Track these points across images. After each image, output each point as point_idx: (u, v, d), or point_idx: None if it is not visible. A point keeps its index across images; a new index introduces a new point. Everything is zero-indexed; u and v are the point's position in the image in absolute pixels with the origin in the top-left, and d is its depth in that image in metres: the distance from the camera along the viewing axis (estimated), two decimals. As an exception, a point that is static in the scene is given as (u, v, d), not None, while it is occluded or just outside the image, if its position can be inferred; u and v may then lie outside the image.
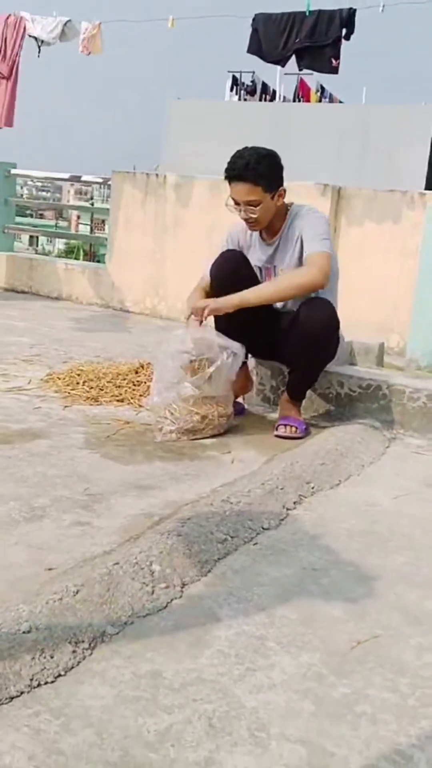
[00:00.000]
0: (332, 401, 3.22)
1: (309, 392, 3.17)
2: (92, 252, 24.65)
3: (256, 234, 3.04)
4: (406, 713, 1.30)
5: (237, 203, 2.88)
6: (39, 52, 7.21)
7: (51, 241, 36.38)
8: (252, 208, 2.86)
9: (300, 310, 2.87)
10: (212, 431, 2.81)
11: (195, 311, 2.86)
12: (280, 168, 2.89)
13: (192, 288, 3.10)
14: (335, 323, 2.93)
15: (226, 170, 2.85)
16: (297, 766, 1.15)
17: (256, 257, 3.05)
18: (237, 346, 2.83)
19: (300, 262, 2.92)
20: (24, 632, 1.36)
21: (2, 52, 7.21)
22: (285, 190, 2.90)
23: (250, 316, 2.85)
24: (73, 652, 1.37)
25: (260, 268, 3.05)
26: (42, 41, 7.13)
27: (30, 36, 7.13)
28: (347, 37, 7.94)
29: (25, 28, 7.09)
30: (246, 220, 2.92)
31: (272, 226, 2.97)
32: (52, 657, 1.33)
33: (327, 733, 1.24)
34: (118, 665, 1.36)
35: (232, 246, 3.10)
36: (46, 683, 1.29)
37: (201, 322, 2.87)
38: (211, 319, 2.93)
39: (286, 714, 1.27)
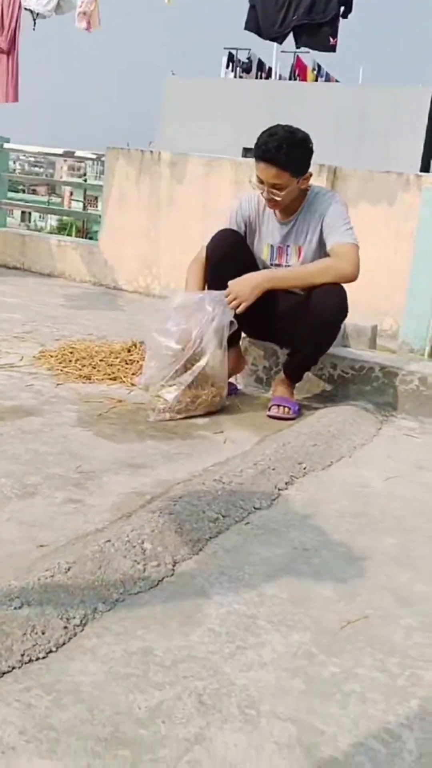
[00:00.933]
0: (325, 383, 3.22)
1: (302, 373, 3.17)
2: (85, 229, 24.50)
3: (269, 211, 3.00)
4: (395, 692, 1.32)
5: (261, 181, 2.83)
6: (34, 25, 7.10)
7: (43, 218, 36.12)
8: (277, 191, 2.82)
9: (313, 294, 2.84)
10: (205, 410, 2.80)
11: (230, 304, 2.78)
12: (311, 153, 2.84)
13: (187, 264, 3.07)
14: (346, 307, 2.91)
15: (256, 148, 2.78)
16: (287, 743, 1.16)
17: (269, 235, 3.02)
18: (217, 294, 2.79)
19: (319, 245, 2.89)
20: (15, 608, 1.36)
21: (0, 25, 7.10)
22: (311, 174, 2.87)
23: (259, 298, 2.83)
24: (65, 628, 1.37)
25: (272, 247, 3.02)
26: (37, 14, 7.02)
27: (25, 9, 7.01)
28: (345, 15, 7.87)
29: (20, 1, 6.97)
30: (268, 200, 2.88)
31: (289, 205, 2.93)
32: (43, 633, 1.34)
33: (316, 711, 1.25)
34: (109, 642, 1.37)
35: (241, 219, 3.04)
36: (37, 659, 1.29)
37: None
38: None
39: (276, 692, 1.28)
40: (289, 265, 2.97)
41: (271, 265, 3.02)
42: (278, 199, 2.84)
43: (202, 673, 1.31)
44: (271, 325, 3.07)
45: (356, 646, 1.44)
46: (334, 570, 1.74)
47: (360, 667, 1.38)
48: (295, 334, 2.94)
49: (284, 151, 2.74)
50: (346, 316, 2.97)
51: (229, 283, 2.80)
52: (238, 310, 2.78)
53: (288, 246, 2.99)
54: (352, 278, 2.81)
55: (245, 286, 2.77)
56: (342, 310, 2.88)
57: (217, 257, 2.94)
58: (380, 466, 2.50)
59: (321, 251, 2.91)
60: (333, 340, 3.03)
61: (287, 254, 2.99)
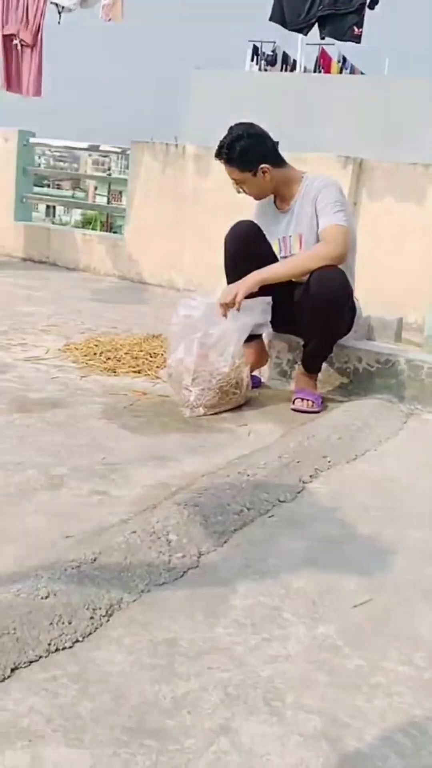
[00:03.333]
0: (349, 376, 3.20)
1: (326, 366, 3.15)
2: (109, 223, 24.55)
3: (272, 205, 3.06)
4: (421, 686, 1.31)
5: None
6: (60, 18, 7.11)
7: (68, 212, 36.29)
8: (238, 186, 2.96)
9: (310, 280, 2.85)
10: (235, 404, 2.80)
11: (226, 306, 2.80)
12: (260, 145, 2.90)
13: (218, 255, 3.10)
14: (346, 292, 2.90)
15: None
16: (312, 735, 1.16)
17: (275, 228, 3.03)
18: (259, 301, 2.84)
19: (316, 229, 2.90)
20: (42, 598, 1.37)
21: (24, 19, 7.11)
22: (269, 167, 2.91)
23: (267, 287, 2.84)
24: (91, 618, 1.38)
25: (279, 240, 3.02)
26: (63, 7, 7.03)
27: (51, 2, 7.03)
28: (372, 6, 7.78)
29: (46, -6, 6.99)
30: (240, 193, 3.00)
31: (283, 195, 3.00)
32: (70, 623, 1.35)
33: (342, 703, 1.24)
34: (134, 632, 1.38)
35: (258, 214, 3.11)
36: (64, 648, 1.30)
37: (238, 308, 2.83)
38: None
39: (301, 684, 1.28)
40: (292, 254, 2.97)
41: (282, 258, 3.02)
42: (243, 191, 2.98)
43: (228, 665, 1.31)
44: (287, 316, 3.06)
45: (382, 639, 1.44)
46: (359, 563, 1.73)
47: (386, 660, 1.37)
48: (303, 323, 2.94)
49: (224, 151, 2.89)
50: (348, 298, 2.95)
51: (226, 289, 2.86)
52: (236, 306, 2.79)
53: (290, 236, 2.99)
54: (339, 261, 2.84)
55: (239, 284, 2.82)
56: (341, 290, 2.87)
57: (235, 250, 2.99)
58: (406, 460, 2.49)
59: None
60: (341, 325, 3.01)
61: (290, 243, 3.00)
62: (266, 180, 2.92)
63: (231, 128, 2.92)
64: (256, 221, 3.09)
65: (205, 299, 2.85)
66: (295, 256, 2.95)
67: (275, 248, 3.03)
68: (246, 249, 2.96)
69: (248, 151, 2.87)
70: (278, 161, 2.94)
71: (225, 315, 2.80)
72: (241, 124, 2.93)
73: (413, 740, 1.18)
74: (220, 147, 2.90)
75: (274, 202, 3.05)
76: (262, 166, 2.89)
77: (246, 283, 2.80)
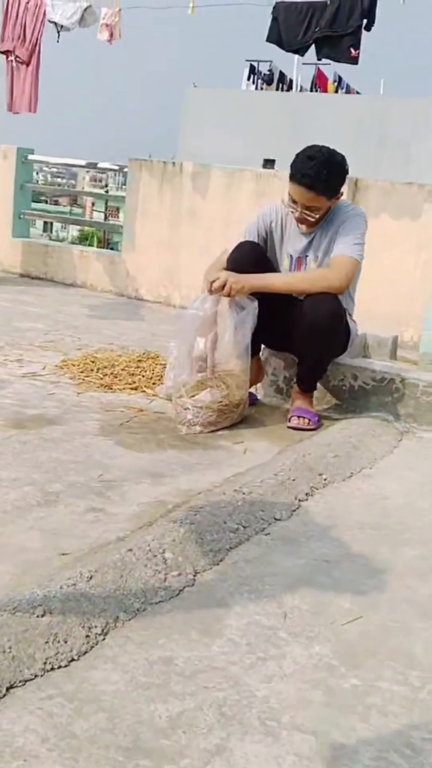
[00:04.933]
0: (345, 394, 3.21)
1: (321, 384, 3.17)
2: (106, 239, 24.65)
3: (292, 222, 3.01)
4: (416, 706, 1.31)
5: (294, 201, 2.87)
6: (58, 37, 7.18)
7: (65, 228, 36.39)
8: (310, 213, 2.86)
9: (305, 301, 2.87)
10: (231, 421, 2.81)
11: (214, 286, 2.77)
12: (347, 174, 2.89)
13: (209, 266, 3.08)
14: (339, 315, 2.92)
15: (295, 171, 2.81)
16: (307, 755, 1.16)
17: (290, 246, 3.03)
18: (247, 302, 2.81)
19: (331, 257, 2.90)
20: (38, 616, 1.37)
21: (22, 36, 7.18)
22: (343, 193, 2.90)
23: (265, 304, 2.84)
24: (87, 636, 1.38)
25: (291, 257, 3.03)
26: (61, 26, 7.10)
27: (50, 21, 7.10)
28: (368, 28, 7.87)
29: (45, 13, 7.05)
30: (299, 219, 2.92)
31: None
32: (65, 641, 1.34)
33: (337, 723, 1.24)
34: (130, 651, 1.37)
35: (263, 226, 3.06)
36: (59, 667, 1.30)
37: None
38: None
39: (297, 704, 1.28)
40: None
41: None
42: (311, 219, 2.89)
43: (223, 684, 1.31)
44: (284, 335, 3.06)
45: (377, 658, 1.44)
46: (354, 582, 1.74)
47: (381, 680, 1.37)
48: (297, 343, 2.95)
49: (323, 178, 2.78)
50: (341, 322, 2.96)
51: (225, 272, 2.81)
52: (225, 291, 2.76)
53: (307, 257, 3.00)
54: (339, 291, 2.85)
55: (241, 278, 2.78)
56: (334, 316, 2.88)
57: (241, 270, 2.92)
58: (401, 478, 2.49)
59: None
60: (334, 347, 3.02)
61: (305, 264, 3.00)
62: (331, 207, 2.90)
63: (314, 152, 2.80)
64: (259, 232, 3.05)
65: (201, 312, 2.84)
66: (300, 272, 2.97)
67: (285, 264, 3.04)
68: (250, 270, 2.90)
69: (341, 182, 2.85)
70: None
71: (210, 292, 2.78)
72: (324, 148, 2.84)
73: (408, 760, 1.17)
74: (317, 174, 2.75)
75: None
76: (341, 192, 2.89)
77: (246, 283, 2.77)
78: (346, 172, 2.88)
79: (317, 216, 2.88)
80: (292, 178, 2.83)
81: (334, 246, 2.90)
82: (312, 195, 2.82)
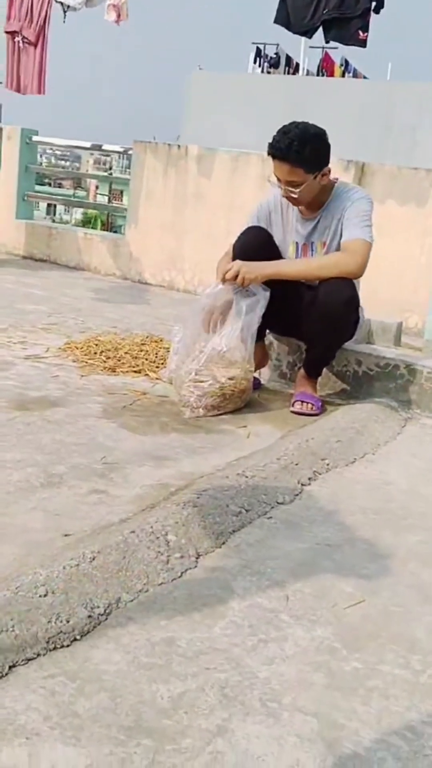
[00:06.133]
0: (349, 379, 3.21)
1: (326, 370, 3.16)
2: (110, 222, 24.57)
3: (294, 209, 2.99)
4: (417, 690, 1.31)
5: (279, 180, 2.83)
6: (64, 17, 7.12)
7: (68, 211, 36.29)
8: (292, 188, 2.80)
9: (320, 288, 2.85)
10: (235, 406, 2.80)
11: (227, 276, 2.76)
12: (326, 148, 2.82)
13: (212, 258, 3.07)
14: (355, 303, 2.92)
15: (269, 147, 2.77)
16: (308, 737, 1.17)
17: (294, 232, 3.01)
18: (260, 290, 2.80)
19: (339, 241, 2.88)
20: (41, 596, 1.38)
21: (29, 17, 7.12)
22: (330, 170, 2.85)
23: (274, 290, 2.83)
24: (89, 617, 1.38)
25: (297, 244, 3.01)
26: (68, 6, 7.03)
27: (56, 1, 7.04)
28: (377, 11, 7.80)
29: (51, -8, 6.99)
30: (286, 197, 2.88)
31: (313, 201, 2.91)
32: (68, 621, 1.35)
33: (339, 706, 1.25)
34: (132, 632, 1.38)
35: (262, 216, 3.04)
36: (62, 647, 1.30)
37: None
38: None
39: (298, 686, 1.28)
40: None
41: None
42: (295, 196, 2.82)
43: (225, 665, 1.31)
44: (292, 320, 3.06)
45: (379, 642, 1.44)
46: (356, 566, 1.74)
47: (383, 663, 1.38)
48: (309, 329, 2.94)
49: (295, 148, 2.72)
50: (356, 309, 2.95)
51: (237, 262, 2.79)
52: (238, 281, 2.75)
53: (313, 242, 2.98)
54: (356, 276, 2.83)
55: (253, 267, 2.77)
56: (350, 303, 2.87)
57: (246, 256, 2.90)
58: (404, 464, 2.49)
59: None
60: (345, 334, 3.02)
61: (312, 251, 2.98)
62: (319, 184, 2.84)
63: (292, 127, 2.76)
64: (260, 220, 3.04)
65: (210, 298, 2.84)
66: (312, 258, 2.94)
67: (290, 252, 3.02)
68: (256, 256, 2.87)
69: (319, 152, 2.78)
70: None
71: (222, 282, 2.78)
72: (301, 123, 2.80)
73: (409, 743, 1.18)
74: (288, 145, 2.71)
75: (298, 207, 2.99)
76: (325, 168, 2.82)
77: (259, 272, 2.77)
78: (325, 143, 2.81)
79: (299, 192, 2.80)
80: (269, 153, 2.79)
81: (343, 229, 2.87)
82: (287, 167, 2.76)
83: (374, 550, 1.83)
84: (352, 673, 1.34)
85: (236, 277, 2.75)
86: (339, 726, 1.20)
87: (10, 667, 1.23)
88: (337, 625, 1.48)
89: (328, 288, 2.81)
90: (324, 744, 1.15)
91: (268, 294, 2.81)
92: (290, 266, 2.89)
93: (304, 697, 1.26)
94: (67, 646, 1.31)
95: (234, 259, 2.91)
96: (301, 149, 2.72)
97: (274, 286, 2.82)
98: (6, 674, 1.22)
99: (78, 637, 1.34)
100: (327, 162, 2.83)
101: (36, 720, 1.13)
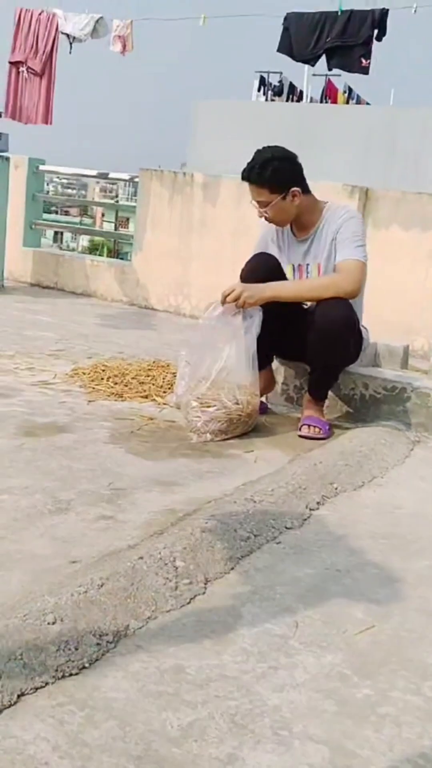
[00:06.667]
0: (356, 403, 3.20)
1: (333, 393, 3.16)
2: (116, 249, 24.73)
3: (288, 232, 3.05)
4: (429, 716, 1.30)
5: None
6: (71, 49, 7.24)
7: (75, 238, 36.54)
8: (262, 209, 2.92)
9: (316, 308, 2.87)
10: (242, 430, 2.80)
11: (228, 298, 2.78)
12: (293, 169, 2.91)
13: (225, 282, 3.09)
14: (352, 322, 2.92)
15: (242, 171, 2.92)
16: (320, 765, 1.15)
17: (291, 255, 3.05)
18: (254, 311, 2.82)
19: (333, 261, 2.91)
20: (49, 623, 1.37)
21: (34, 48, 7.24)
22: (299, 191, 2.91)
23: (275, 313, 2.84)
24: (98, 644, 1.37)
25: (294, 267, 3.04)
26: (74, 38, 7.15)
27: (62, 33, 7.16)
28: (379, 38, 7.90)
29: (57, 25, 7.11)
30: (264, 218, 2.97)
31: (303, 223, 2.99)
32: (76, 649, 1.34)
33: (350, 733, 1.23)
34: (141, 659, 1.37)
35: (262, 244, 3.11)
36: (70, 675, 1.29)
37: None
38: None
39: (309, 713, 1.27)
40: None
41: None
42: (267, 215, 2.93)
43: (235, 693, 1.30)
44: (296, 343, 3.06)
45: (390, 668, 1.43)
46: (366, 591, 1.72)
47: (394, 689, 1.36)
48: (309, 351, 2.95)
49: (257, 170, 2.85)
50: (353, 327, 2.96)
51: (238, 284, 2.84)
52: (239, 303, 2.77)
53: (308, 264, 3.01)
54: (352, 295, 2.86)
55: (253, 290, 2.80)
56: (347, 323, 2.88)
57: (255, 281, 2.92)
58: (412, 488, 2.48)
59: None
60: (347, 354, 3.02)
61: (307, 272, 3.01)
62: (293, 205, 2.91)
63: (259, 151, 2.91)
64: (262, 246, 3.09)
65: (212, 321, 2.85)
66: (309, 279, 2.97)
67: (288, 274, 3.04)
68: (268, 279, 2.88)
69: (281, 172, 2.87)
70: (306, 187, 2.95)
71: (222, 304, 2.80)
72: (270, 147, 2.93)
73: (422, 772, 1.16)
74: (251, 167, 2.87)
75: (291, 228, 3.05)
76: (293, 189, 2.89)
77: (258, 295, 2.79)
78: (289, 163, 2.90)
79: (271, 212, 2.91)
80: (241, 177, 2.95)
81: (336, 250, 2.90)
82: (253, 188, 2.91)
83: (384, 575, 1.82)
84: (363, 700, 1.32)
85: (237, 298, 2.77)
86: (351, 754, 1.18)
87: (18, 696, 1.22)
88: (347, 652, 1.47)
89: (324, 309, 2.83)
90: (336, 773, 1.14)
91: (261, 313, 2.83)
92: (288, 288, 2.92)
93: (315, 725, 1.24)
94: (76, 674, 1.30)
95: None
96: (262, 171, 2.85)
97: (276, 309, 2.83)
98: (15, 703, 1.21)
99: (86, 665, 1.33)
100: (295, 183, 2.91)
101: (45, 749, 1.12)
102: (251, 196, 2.93)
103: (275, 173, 2.86)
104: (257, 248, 3.13)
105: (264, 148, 2.93)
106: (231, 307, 2.80)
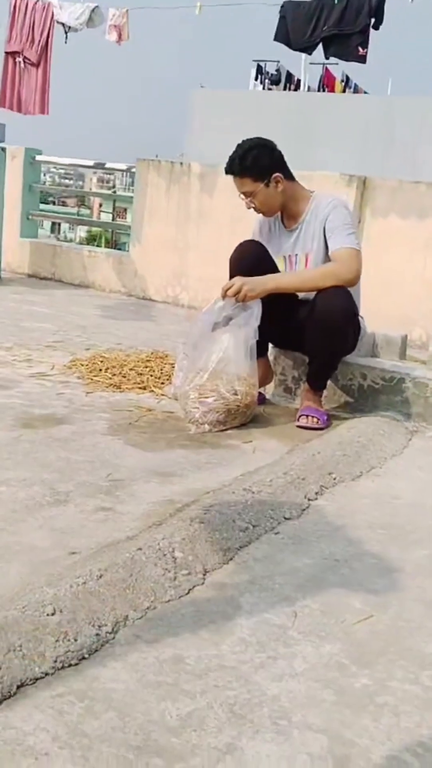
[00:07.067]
0: (354, 393, 3.21)
1: (331, 383, 3.16)
2: (114, 240, 24.70)
3: (279, 223, 3.07)
4: (428, 705, 1.30)
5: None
6: (66, 38, 7.20)
7: (73, 229, 36.46)
8: (249, 199, 2.96)
9: (316, 298, 2.87)
10: (240, 421, 2.80)
11: (228, 292, 2.79)
12: (271, 155, 2.94)
13: (222, 272, 3.09)
14: (352, 311, 2.92)
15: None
16: (319, 754, 1.16)
17: (282, 246, 3.05)
18: (252, 303, 2.82)
19: (325, 250, 2.91)
20: (48, 615, 1.37)
21: (30, 38, 7.20)
22: (281, 176, 2.92)
23: (273, 304, 2.85)
24: (96, 635, 1.38)
25: (285, 258, 3.04)
26: (69, 27, 7.11)
27: (58, 22, 7.11)
28: (376, 27, 7.85)
29: (52, 14, 7.06)
30: (253, 210, 3.01)
31: (291, 212, 3.02)
32: (75, 640, 1.34)
33: (349, 723, 1.24)
34: (140, 650, 1.37)
35: (257, 235, 3.13)
36: (69, 665, 1.30)
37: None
38: None
39: (308, 703, 1.28)
40: None
41: None
42: (254, 205, 2.97)
43: (234, 683, 1.31)
44: (293, 333, 3.06)
45: (388, 658, 1.43)
46: (364, 581, 1.73)
47: (392, 679, 1.37)
48: (308, 341, 2.95)
49: (237, 162, 2.90)
50: (353, 317, 2.96)
51: (238, 278, 2.82)
52: (240, 297, 2.77)
53: (296, 254, 3.02)
54: (352, 283, 2.86)
55: (254, 283, 2.80)
56: (346, 312, 2.88)
57: (241, 270, 2.92)
58: (411, 478, 2.48)
59: (327, 256, 2.93)
60: (346, 344, 3.02)
61: (296, 262, 3.02)
62: (278, 191, 2.93)
63: (240, 143, 2.94)
64: (256, 238, 3.10)
65: (212, 315, 2.85)
66: (308, 270, 2.97)
67: (280, 265, 3.05)
68: (252, 269, 2.91)
69: (260, 159, 2.90)
70: (288, 174, 2.97)
71: (223, 298, 2.81)
72: (249, 138, 2.97)
73: (420, 759, 1.17)
74: (232, 159, 2.91)
75: (281, 219, 3.06)
76: (275, 175, 2.91)
77: (260, 288, 2.79)
78: (268, 152, 2.93)
79: (257, 202, 2.95)
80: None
81: (328, 239, 2.91)
82: (237, 180, 2.95)
83: (382, 565, 1.82)
84: (362, 689, 1.33)
85: (237, 292, 2.76)
86: (349, 743, 1.19)
87: (18, 687, 1.22)
88: (345, 641, 1.47)
89: (324, 298, 2.83)
90: (334, 761, 1.14)
91: (260, 305, 2.82)
92: (288, 279, 2.94)
93: (314, 715, 1.25)
94: (75, 664, 1.31)
95: (231, 272, 2.95)
96: (242, 161, 2.90)
97: (274, 300, 2.83)
98: (14, 694, 1.21)
99: (86, 656, 1.33)
100: (276, 168, 2.93)
101: (45, 740, 1.12)
102: (237, 189, 2.97)
103: (255, 161, 2.90)
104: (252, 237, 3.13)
105: (243, 140, 2.96)
106: (231, 302, 2.80)
